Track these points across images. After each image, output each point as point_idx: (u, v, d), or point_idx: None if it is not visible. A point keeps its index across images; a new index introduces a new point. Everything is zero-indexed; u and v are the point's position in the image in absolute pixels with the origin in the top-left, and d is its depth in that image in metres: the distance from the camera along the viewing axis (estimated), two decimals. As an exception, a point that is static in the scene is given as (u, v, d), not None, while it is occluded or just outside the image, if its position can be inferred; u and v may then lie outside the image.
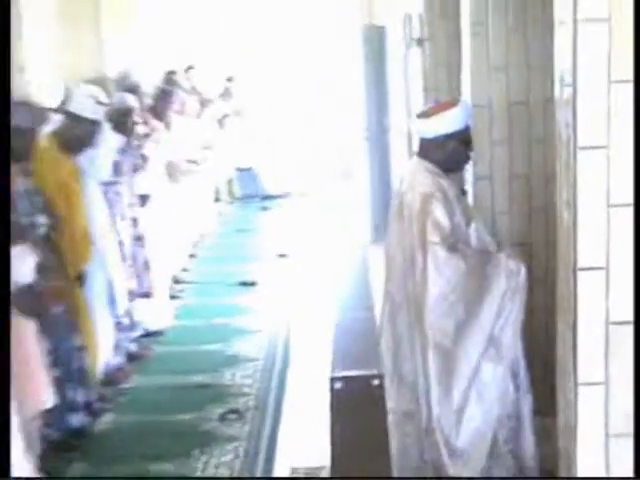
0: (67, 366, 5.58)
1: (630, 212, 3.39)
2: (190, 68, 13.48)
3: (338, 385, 1.98)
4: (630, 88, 3.30)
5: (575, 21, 3.26)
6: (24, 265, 4.57)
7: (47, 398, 4.99)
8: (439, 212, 4.28)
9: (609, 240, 3.42)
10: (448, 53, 6.51)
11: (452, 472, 4.28)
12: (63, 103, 6.54)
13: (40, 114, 5.61)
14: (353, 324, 2.88)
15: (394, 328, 4.49)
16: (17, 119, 5.24)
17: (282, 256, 10.47)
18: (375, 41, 9.98)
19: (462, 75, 5.56)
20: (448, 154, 4.42)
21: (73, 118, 6.03)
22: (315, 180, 13.77)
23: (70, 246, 5.66)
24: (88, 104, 6.05)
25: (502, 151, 5.29)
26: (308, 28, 14.67)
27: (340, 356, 2.31)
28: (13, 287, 4.30)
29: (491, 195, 5.34)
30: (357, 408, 1.88)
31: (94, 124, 6.09)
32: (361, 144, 10.77)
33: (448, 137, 4.39)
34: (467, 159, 4.63)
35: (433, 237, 4.24)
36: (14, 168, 5.04)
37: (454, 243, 4.29)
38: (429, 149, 4.46)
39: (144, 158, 7.60)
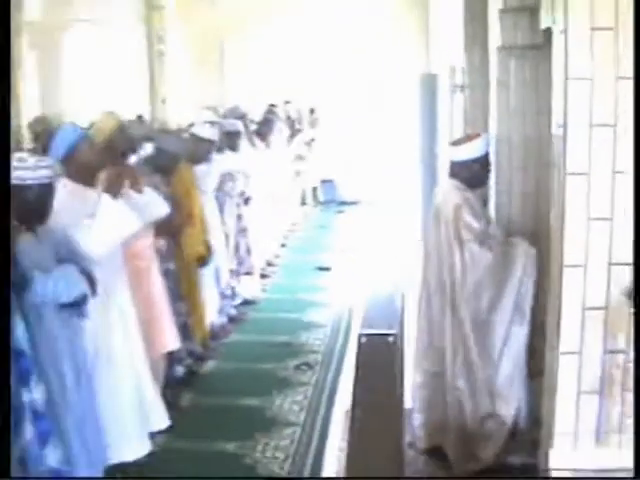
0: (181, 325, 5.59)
1: (605, 224, 3.46)
2: (287, 102, 13.57)
3: (363, 340, 2.09)
4: (609, 131, 3.37)
5: (566, 79, 3.33)
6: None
7: (172, 341, 5.13)
8: (469, 217, 4.34)
9: (588, 245, 3.49)
10: (483, 98, 6.33)
11: (494, 409, 4.37)
12: (189, 126, 6.69)
13: (183, 141, 5.83)
14: (382, 297, 2.98)
15: (429, 309, 4.57)
16: (166, 144, 5.47)
17: (351, 248, 10.40)
18: (429, 86, 9.83)
19: (490, 116, 5.61)
20: (472, 174, 4.47)
21: (196, 138, 6.18)
22: (380, 193, 13.72)
23: (191, 234, 5.82)
24: (206, 128, 6.19)
25: (518, 174, 5.24)
26: (378, 73, 14.58)
27: (368, 319, 2.42)
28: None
29: (509, 206, 5.27)
30: (376, 357, 1.98)
31: (210, 143, 6.23)
32: (416, 167, 10.66)
33: (473, 161, 4.46)
34: (486, 178, 4.67)
35: (467, 236, 4.31)
36: (157, 179, 5.24)
37: (482, 239, 4.34)
38: (458, 170, 4.50)
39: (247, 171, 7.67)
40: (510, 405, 4.39)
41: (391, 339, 2.02)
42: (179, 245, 5.65)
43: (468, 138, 4.68)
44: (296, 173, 11.77)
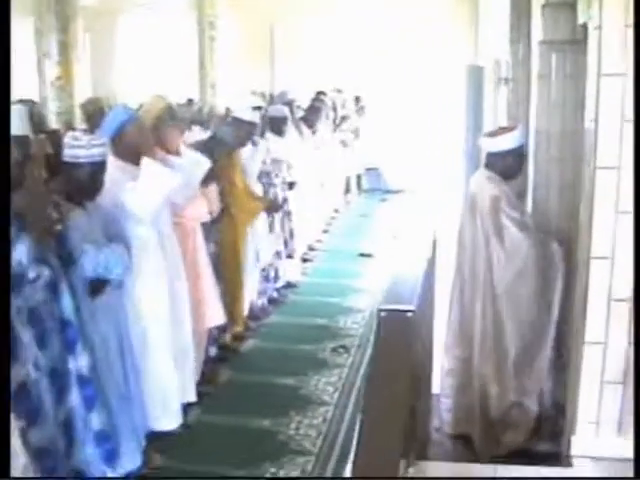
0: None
1: (632, 218, 3.52)
2: (339, 91, 13.61)
3: (383, 314, 2.21)
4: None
5: (599, 75, 3.39)
6: None
7: (218, 316, 5.30)
8: (508, 208, 4.39)
9: (615, 238, 3.56)
10: (525, 91, 6.37)
11: (521, 398, 4.42)
12: (232, 110, 6.79)
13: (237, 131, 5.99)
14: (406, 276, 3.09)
15: (461, 297, 4.61)
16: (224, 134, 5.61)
17: (394, 237, 10.33)
18: (475, 78, 9.86)
19: (530, 108, 5.66)
20: (506, 165, 4.49)
21: (238, 121, 6.28)
22: (424, 182, 13.73)
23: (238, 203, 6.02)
24: (248, 111, 6.29)
25: (556, 167, 5.31)
26: (427, 63, 14.60)
27: (390, 296, 2.53)
28: None
29: (546, 199, 5.34)
30: (394, 330, 2.10)
31: (252, 126, 6.33)
32: (460, 158, 10.72)
33: (507, 152, 4.47)
34: (520, 170, 4.68)
35: (507, 224, 4.34)
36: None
37: (522, 228, 4.38)
38: (493, 161, 4.54)
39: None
40: (536, 395, 4.45)
41: (409, 314, 2.14)
42: (222, 225, 5.80)
43: (503, 130, 4.72)
44: (341, 161, 11.84)
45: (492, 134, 4.71)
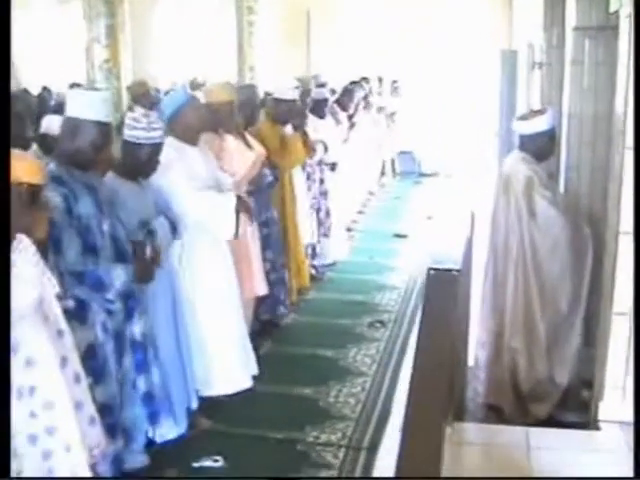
0: (279, 272, 6.14)
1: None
2: (380, 79, 13.77)
3: (432, 272, 2.46)
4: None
5: (629, 60, 3.59)
6: None
7: (262, 287, 5.57)
8: (541, 187, 4.61)
9: (641, 214, 3.76)
10: (559, 76, 6.41)
11: (551, 373, 4.65)
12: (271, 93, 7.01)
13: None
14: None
15: (495, 273, 4.82)
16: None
17: (429, 218, 10.61)
18: (509, 62, 9.92)
19: (563, 92, 5.83)
20: (539, 146, 4.70)
21: (277, 100, 6.53)
22: (458, 165, 13.87)
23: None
24: (287, 90, 6.54)
25: (587, 150, 5.43)
26: (462, 47, 14.73)
27: (437, 258, 2.79)
28: None
29: (577, 180, 5.51)
30: (441, 285, 2.33)
31: (291, 103, 6.56)
32: (494, 141, 10.81)
33: (539, 134, 4.69)
34: (552, 151, 4.87)
35: (542, 202, 4.57)
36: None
37: (554, 205, 4.60)
38: (526, 143, 4.74)
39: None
40: (566, 370, 4.66)
41: (455, 272, 2.40)
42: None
43: (535, 113, 4.92)
44: (376, 144, 12.02)
45: (524, 117, 4.91)
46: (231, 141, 5.28)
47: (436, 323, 2.19)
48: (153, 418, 4.03)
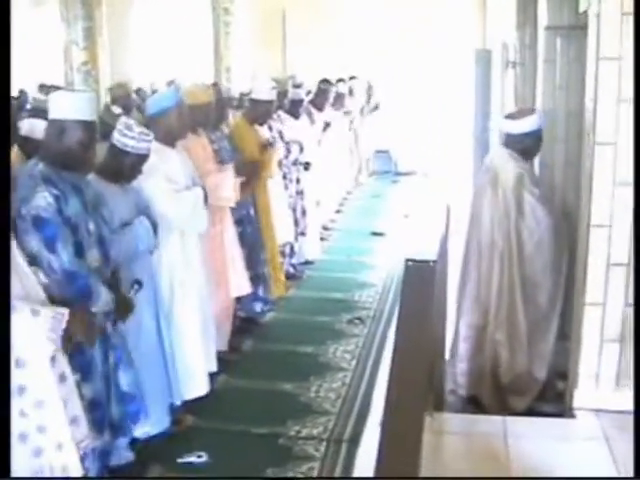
0: (256, 270, 6.16)
1: (629, 190, 3.84)
2: (352, 77, 13.81)
3: (409, 264, 2.54)
4: (630, 105, 3.74)
5: (597, 59, 3.71)
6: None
7: (245, 286, 5.63)
8: (530, 185, 4.68)
9: (613, 208, 3.88)
10: (532, 74, 6.55)
11: (530, 368, 4.73)
12: (247, 93, 7.07)
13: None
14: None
15: (478, 268, 4.85)
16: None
17: (405, 216, 10.70)
18: (484, 61, 10.02)
19: (536, 90, 5.95)
20: (526, 146, 4.74)
21: (254, 101, 6.56)
22: (434, 164, 13.96)
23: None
24: (264, 91, 6.60)
25: (560, 146, 5.58)
26: (436, 46, 14.83)
27: (415, 251, 2.88)
28: None
29: (551, 175, 5.66)
30: (418, 276, 2.41)
31: (269, 103, 6.59)
32: (469, 140, 10.87)
33: (527, 134, 4.73)
34: (538, 151, 4.92)
35: (531, 200, 4.64)
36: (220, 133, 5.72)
37: (542, 202, 4.68)
38: (513, 142, 4.78)
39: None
40: (544, 365, 4.75)
41: (431, 264, 2.50)
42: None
43: (523, 113, 4.94)
44: (352, 143, 12.09)
45: (513, 116, 4.93)
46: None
47: (415, 312, 2.28)
48: (133, 417, 4.06)
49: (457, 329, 5.04)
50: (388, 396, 2.32)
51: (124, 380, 3.93)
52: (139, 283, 4.02)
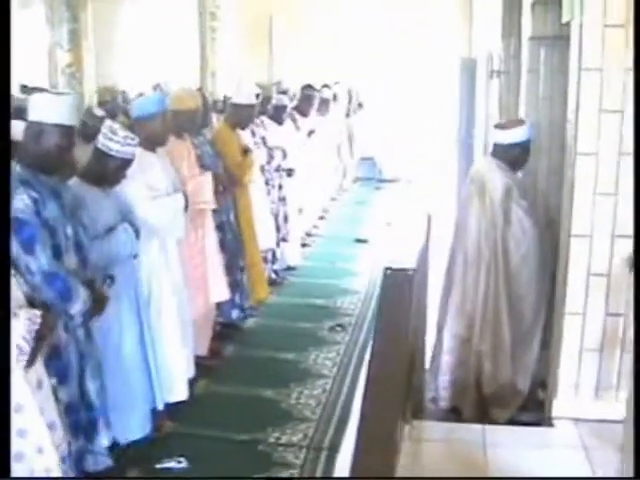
0: (234, 276, 6.09)
1: (610, 200, 3.87)
2: (336, 83, 13.84)
3: (388, 272, 2.55)
4: (617, 116, 3.77)
5: (579, 69, 3.73)
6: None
7: (224, 291, 5.60)
8: (517, 197, 4.66)
9: (594, 217, 3.90)
10: (516, 84, 6.58)
11: (514, 380, 4.72)
12: (231, 97, 6.97)
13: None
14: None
15: (465, 282, 4.82)
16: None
17: (388, 224, 10.65)
18: (469, 70, 9.96)
19: (520, 100, 5.97)
20: (514, 156, 4.72)
21: (236, 106, 6.52)
22: (418, 171, 14.00)
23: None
24: (244, 95, 6.57)
25: (544, 155, 5.59)
26: (422, 55, 14.89)
27: (394, 259, 2.89)
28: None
29: (534, 185, 5.65)
30: (396, 284, 2.42)
31: (251, 108, 6.57)
32: (454, 147, 10.89)
33: (516, 145, 4.70)
34: (525, 162, 4.86)
35: (519, 212, 4.63)
36: (203, 138, 5.71)
37: (529, 214, 4.69)
38: (501, 152, 4.76)
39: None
40: (527, 377, 4.75)
41: (410, 272, 2.51)
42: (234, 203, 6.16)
43: (513, 123, 4.90)
44: (336, 150, 12.10)
45: (502, 126, 4.90)
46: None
47: (392, 320, 2.28)
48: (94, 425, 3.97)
49: (439, 340, 5.03)
50: (364, 403, 2.33)
51: (91, 388, 3.88)
52: (111, 278, 3.98)
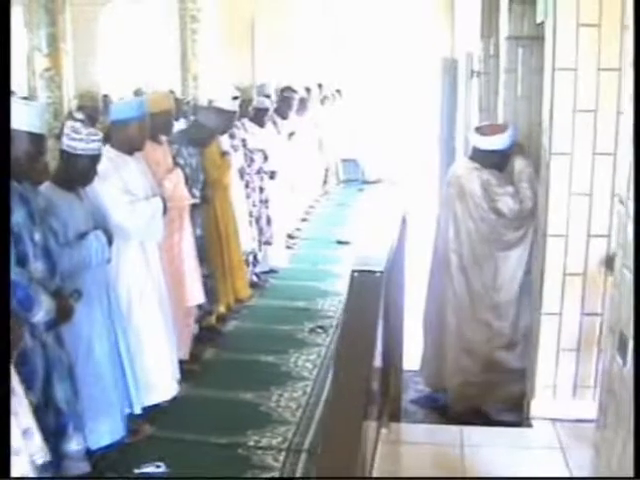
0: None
1: (585, 200, 3.87)
2: (319, 85, 13.84)
3: (356, 274, 2.54)
4: (591, 116, 3.77)
5: (553, 70, 3.73)
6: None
7: (198, 296, 5.55)
8: (498, 188, 4.65)
9: (569, 217, 3.91)
10: (496, 84, 6.49)
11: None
12: (211, 101, 6.98)
13: (220, 118, 6.26)
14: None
15: (441, 284, 4.88)
16: (207, 120, 5.90)
17: (369, 224, 10.56)
18: (450, 70, 10.08)
19: (499, 100, 5.97)
20: (493, 162, 4.70)
21: (218, 110, 6.41)
22: (401, 172, 14.02)
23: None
24: (227, 100, 6.53)
25: (522, 159, 5.63)
26: (403, 55, 14.91)
27: (361, 261, 2.88)
28: None
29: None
30: (364, 286, 2.41)
31: (232, 114, 6.52)
32: (436, 148, 10.92)
33: (494, 152, 4.68)
34: (505, 166, 4.76)
35: (505, 198, 4.59)
36: (191, 150, 5.70)
37: (514, 200, 4.62)
38: (480, 156, 4.75)
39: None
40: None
41: (378, 274, 2.49)
42: (210, 210, 6.12)
43: (494, 129, 4.83)
44: (318, 151, 12.09)
45: (483, 132, 4.84)
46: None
47: (357, 323, 2.27)
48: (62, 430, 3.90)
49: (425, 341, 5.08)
50: (326, 406, 2.31)
51: (58, 393, 3.82)
52: (78, 292, 3.94)
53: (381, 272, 2.57)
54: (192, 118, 6.13)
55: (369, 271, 2.53)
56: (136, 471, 4.27)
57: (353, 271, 2.56)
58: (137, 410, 4.55)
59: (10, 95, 3.16)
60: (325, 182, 13.44)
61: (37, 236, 3.57)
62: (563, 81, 3.76)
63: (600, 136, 3.77)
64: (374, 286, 2.45)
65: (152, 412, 4.79)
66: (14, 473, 3.03)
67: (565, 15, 3.73)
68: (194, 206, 5.63)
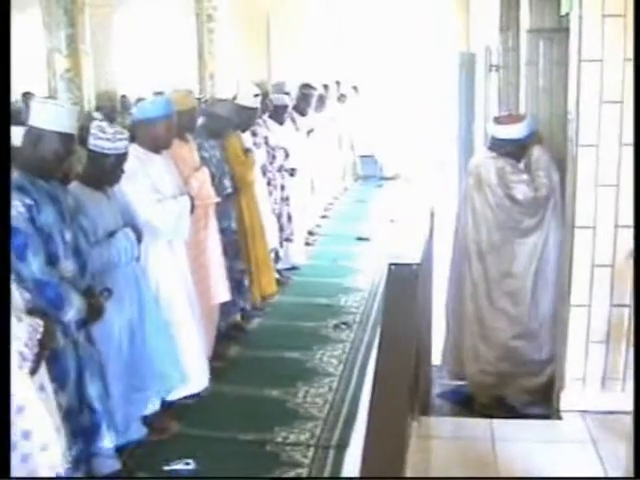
0: (236, 282, 6.06)
1: (612, 191, 3.86)
2: (338, 82, 13.80)
3: (392, 267, 2.55)
4: (617, 107, 3.76)
5: (579, 61, 3.72)
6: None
7: (224, 293, 5.58)
8: (513, 175, 4.66)
9: (596, 209, 3.89)
10: (515, 77, 6.57)
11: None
12: (234, 98, 6.96)
13: (235, 108, 6.28)
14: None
15: (484, 264, 4.81)
16: (218, 109, 5.93)
17: (391, 221, 10.68)
18: (468, 65, 10.05)
19: (519, 93, 5.96)
20: (510, 151, 4.71)
21: (239, 107, 6.48)
22: (419, 168, 14.00)
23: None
24: (249, 97, 6.57)
25: (539, 148, 5.60)
26: (421, 51, 14.91)
27: (398, 255, 2.89)
28: None
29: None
30: (401, 279, 2.42)
31: (253, 111, 6.60)
32: (454, 142, 10.93)
33: (512, 141, 4.70)
34: (522, 157, 4.79)
35: (520, 186, 4.60)
36: (213, 143, 5.71)
37: (529, 187, 4.62)
38: (498, 146, 4.76)
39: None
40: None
41: (414, 267, 2.51)
42: (236, 206, 6.15)
43: (512, 119, 4.87)
44: (337, 141, 12.09)
45: (501, 121, 4.87)
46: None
47: (398, 315, 2.28)
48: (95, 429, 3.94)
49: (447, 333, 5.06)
50: (371, 400, 2.32)
51: (91, 392, 3.86)
52: (108, 291, 3.97)
53: (418, 264, 2.59)
54: (208, 110, 6.10)
55: (406, 264, 2.54)
56: (165, 468, 4.27)
57: (390, 264, 2.57)
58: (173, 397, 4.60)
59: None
60: (343, 178, 13.42)
61: (68, 235, 3.60)
62: (589, 73, 3.75)
63: (626, 127, 3.76)
64: (411, 279, 2.46)
65: (179, 409, 4.82)
66: (41, 467, 3.04)
67: (590, 6, 3.72)
68: (227, 197, 5.68)
